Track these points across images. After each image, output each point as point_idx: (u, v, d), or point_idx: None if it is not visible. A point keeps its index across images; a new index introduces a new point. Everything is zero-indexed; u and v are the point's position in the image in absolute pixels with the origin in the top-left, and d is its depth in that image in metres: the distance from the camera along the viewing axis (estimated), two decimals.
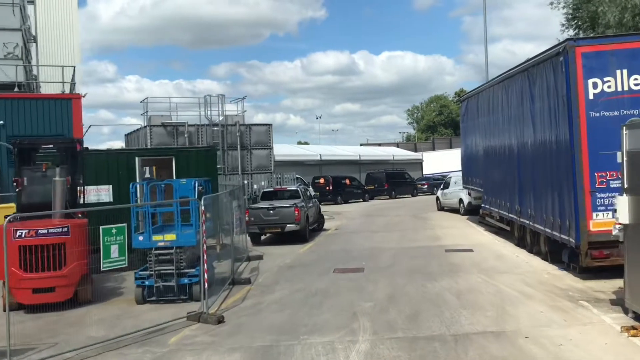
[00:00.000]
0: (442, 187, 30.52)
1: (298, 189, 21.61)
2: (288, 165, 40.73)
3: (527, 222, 15.28)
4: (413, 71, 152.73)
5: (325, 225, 24.60)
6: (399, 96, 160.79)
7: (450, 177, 30.37)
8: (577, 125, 11.90)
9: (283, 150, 43.40)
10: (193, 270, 11.76)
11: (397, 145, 73.21)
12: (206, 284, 10.58)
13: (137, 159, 15.62)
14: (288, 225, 19.64)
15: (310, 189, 37.90)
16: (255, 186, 26.64)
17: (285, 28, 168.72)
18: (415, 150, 70.83)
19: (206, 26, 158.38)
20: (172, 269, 11.83)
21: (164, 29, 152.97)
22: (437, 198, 30.72)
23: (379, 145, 70.10)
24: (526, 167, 15.26)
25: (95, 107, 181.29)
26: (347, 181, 41.52)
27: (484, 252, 16.39)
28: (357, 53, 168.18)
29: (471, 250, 16.59)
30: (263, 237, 20.96)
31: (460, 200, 27.31)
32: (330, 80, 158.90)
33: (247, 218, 19.85)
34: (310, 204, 22.23)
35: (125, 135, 31.28)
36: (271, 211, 19.77)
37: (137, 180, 15.65)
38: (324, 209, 36.41)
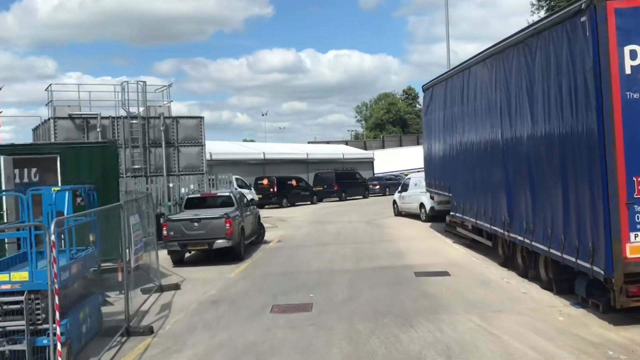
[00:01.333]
0: (399, 189, 27.07)
1: (231, 194, 17.67)
2: (228, 164, 36.65)
3: (520, 238, 11.88)
4: (359, 70, 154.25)
5: (267, 236, 20.77)
6: (346, 95, 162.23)
7: (410, 178, 26.99)
8: (610, 110, 8.49)
9: (222, 147, 39.25)
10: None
11: (347, 143, 69.90)
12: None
13: (1, 158, 11.35)
14: (217, 241, 15.71)
15: (252, 192, 34.13)
16: (183, 190, 22.52)
17: (231, 25, 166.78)
18: (365, 149, 67.70)
19: (149, 22, 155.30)
20: (23, 325, 7.82)
21: (105, 24, 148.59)
22: (394, 202, 27.25)
23: (328, 143, 66.54)
24: (520, 167, 11.84)
25: (35, 104, 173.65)
26: (294, 182, 37.74)
27: (464, 275, 12.91)
28: (303, 51, 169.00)
29: (447, 274, 13.08)
30: (187, 255, 16.97)
31: (422, 205, 23.93)
32: (277, 79, 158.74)
33: (164, 232, 15.82)
34: (248, 212, 18.37)
35: (32, 130, 26.51)
36: (195, 223, 15.78)
37: (3, 187, 11.46)
38: (268, 213, 32.67)
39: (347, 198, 41.49)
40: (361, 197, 43.14)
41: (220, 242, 15.69)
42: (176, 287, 13.05)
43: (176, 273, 14.95)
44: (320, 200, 40.51)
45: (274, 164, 40.63)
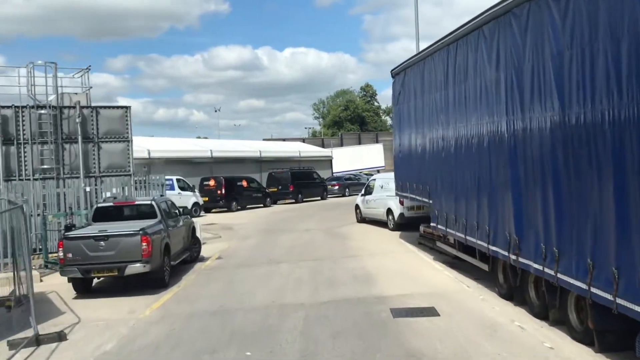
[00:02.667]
0: (363, 192, 23.64)
1: (153, 202, 13.87)
2: (170, 164, 32.69)
3: (537, 266, 8.60)
4: (317, 68, 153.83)
5: (206, 251, 17.12)
6: (304, 93, 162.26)
7: (374, 179, 23.61)
8: None
9: (162, 144, 35.22)
10: None
11: (304, 141, 66.27)
12: None
13: None
14: (130, 266, 11.95)
15: (197, 194, 30.24)
16: (106, 195, 18.58)
17: (186, 21, 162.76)
18: (323, 147, 64.37)
19: (101, 17, 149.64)
20: None
21: (55, 18, 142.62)
22: (357, 207, 23.81)
23: (284, 140, 62.80)
24: (539, 168, 8.52)
25: None
26: (244, 183, 33.98)
27: (458, 315, 9.55)
28: (260, 49, 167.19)
29: (434, 312, 9.70)
30: (98, 280, 13.18)
31: (389, 211, 20.60)
32: (233, 76, 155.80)
33: (60, 254, 12.00)
34: (178, 224, 14.70)
35: None
36: (101, 242, 11.97)
37: None
38: (214, 218, 28.93)
39: (304, 200, 37.99)
40: (319, 198, 39.71)
41: (134, 267, 11.95)
42: (60, 337, 9.27)
43: (73, 309, 11.16)
44: (275, 203, 36.92)
45: (223, 162, 36.71)
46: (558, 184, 7.96)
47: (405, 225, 19.61)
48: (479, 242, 10.99)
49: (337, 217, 26.15)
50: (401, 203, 19.53)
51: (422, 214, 18.54)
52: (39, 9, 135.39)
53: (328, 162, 48.70)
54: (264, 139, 71.73)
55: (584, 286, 7.39)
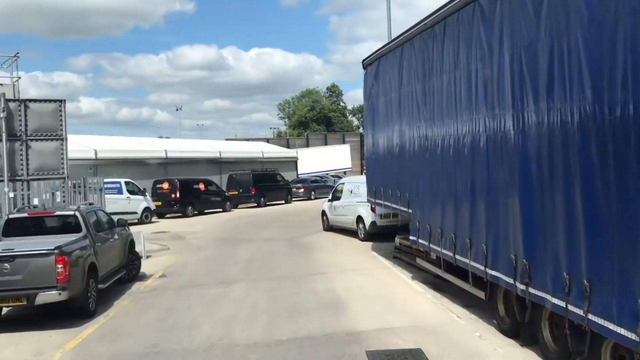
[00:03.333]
0: (330, 197, 21.51)
1: (78, 213, 11.45)
2: (121, 165, 30.11)
3: (558, 302, 6.61)
4: (283, 69, 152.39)
5: (149, 266, 14.81)
6: (270, 94, 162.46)
7: (343, 182, 21.49)
8: None
9: (111, 144, 32.54)
10: None
11: (268, 141, 63.83)
12: None
13: None
14: (42, 294, 9.59)
15: (148, 198, 27.72)
16: (36, 201, 16.05)
17: (151, 20, 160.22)
18: (288, 147, 62.17)
19: (63, 14, 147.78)
20: None
21: (16, 15, 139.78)
22: (324, 213, 21.68)
23: (247, 140, 60.20)
24: (565, 169, 6.53)
25: None
26: (202, 185, 31.56)
27: None
28: (226, 48, 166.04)
29: (423, 358, 7.63)
30: (7, 309, 10.76)
31: (360, 219, 18.55)
32: (198, 75, 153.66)
33: None
34: (115, 237, 12.38)
35: None
36: (6, 264, 9.58)
37: None
38: (166, 225, 26.53)
39: (267, 204, 35.74)
40: (283, 202, 37.52)
41: (47, 295, 9.59)
42: None
43: None
44: (236, 207, 34.59)
45: (179, 164, 34.15)
46: (590, 193, 5.97)
47: (378, 235, 17.61)
48: (473, 263, 8.99)
49: (302, 224, 24.02)
50: (373, 210, 17.51)
51: (396, 223, 16.59)
52: (1, 5, 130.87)
53: (293, 163, 46.53)
54: (226, 139, 69.07)
55: (631, 336, 5.42)
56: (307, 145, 73.55)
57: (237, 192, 34.90)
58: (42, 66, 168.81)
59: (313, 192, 41.03)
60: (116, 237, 12.64)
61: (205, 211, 31.21)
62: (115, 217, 13.82)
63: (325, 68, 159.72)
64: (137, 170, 30.74)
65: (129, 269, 13.26)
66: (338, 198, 20.38)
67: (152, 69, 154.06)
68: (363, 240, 18.21)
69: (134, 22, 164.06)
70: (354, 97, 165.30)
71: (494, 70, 8.12)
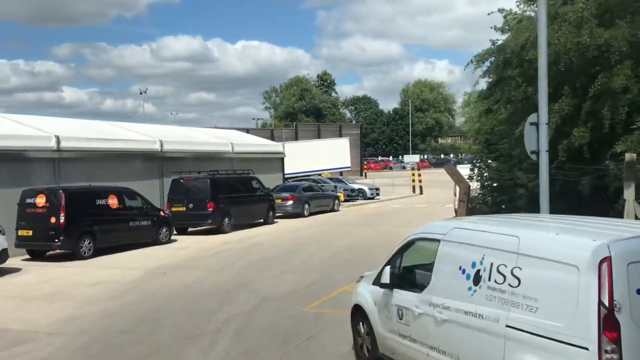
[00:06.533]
0: (386, 277, 6.86)
1: None
2: None
3: None
4: (269, 62, 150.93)
5: None
6: (256, 87, 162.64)
7: (445, 236, 7.19)
8: None
9: None
10: None
11: (247, 131, 49.65)
12: None
13: None
14: None
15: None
16: None
17: (134, 9, 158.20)
18: (272, 139, 48.20)
19: (44, 1, 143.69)
20: None
21: None
22: (359, 313, 7.42)
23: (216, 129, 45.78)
24: None
25: None
26: (113, 200, 17.62)
27: None
28: (211, 40, 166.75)
29: None
30: None
31: None
32: (183, 67, 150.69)
33: None
34: None
35: None
36: None
37: None
38: (25, 286, 12.82)
39: (235, 226, 22.09)
40: (260, 221, 23.94)
41: None
42: None
43: None
44: (183, 232, 21.06)
45: (81, 160, 19.79)
46: None
47: None
48: None
49: (292, 297, 10.49)
50: None
51: None
52: None
53: (278, 161, 32.48)
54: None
55: None
56: (296, 138, 59.92)
57: (184, 208, 21.19)
58: (23, 54, 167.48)
59: (307, 205, 27.42)
60: None
61: (121, 247, 17.41)
62: None
63: (312, 62, 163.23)
64: (3, 169, 16.99)
65: None
66: (414, 284, 6.54)
67: (134, 59, 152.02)
68: None
69: (117, 11, 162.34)
70: (341, 92, 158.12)
71: None
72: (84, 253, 16.25)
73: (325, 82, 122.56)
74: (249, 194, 23.58)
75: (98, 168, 19.99)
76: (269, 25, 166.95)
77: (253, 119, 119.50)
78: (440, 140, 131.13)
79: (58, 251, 16.52)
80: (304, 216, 26.91)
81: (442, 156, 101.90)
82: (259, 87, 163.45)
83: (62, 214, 15.89)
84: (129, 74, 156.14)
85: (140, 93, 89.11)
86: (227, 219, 21.77)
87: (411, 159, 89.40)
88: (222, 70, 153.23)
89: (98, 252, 16.62)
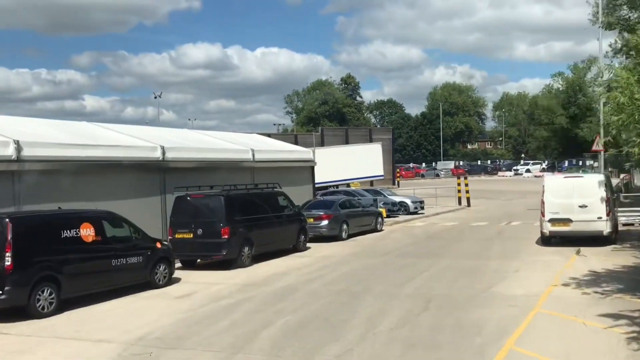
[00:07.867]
0: None
1: None
2: None
3: None
4: (289, 69, 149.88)
5: None
6: (276, 94, 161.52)
7: None
8: None
9: None
10: None
11: (269, 136, 44.58)
12: None
13: None
14: None
15: None
16: None
17: (154, 17, 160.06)
18: (297, 144, 42.95)
19: (64, 10, 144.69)
20: None
21: (15, 10, 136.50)
22: None
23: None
24: None
25: None
26: (87, 230, 12.45)
27: None
28: (231, 47, 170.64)
29: None
30: None
31: None
32: (202, 75, 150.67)
33: None
34: None
35: None
36: None
37: None
38: None
39: (257, 258, 16.96)
40: (290, 249, 18.79)
41: None
42: None
43: None
44: (193, 265, 16.13)
45: (55, 173, 14.58)
46: None
47: None
48: None
49: None
50: None
51: None
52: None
53: (308, 170, 27.26)
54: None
55: None
56: (322, 144, 54.78)
57: (191, 235, 16.13)
58: (44, 63, 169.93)
59: (345, 226, 22.24)
60: None
61: (99, 291, 12.38)
62: None
63: (331, 69, 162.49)
64: None
65: None
66: None
67: (155, 67, 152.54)
68: None
69: (137, 19, 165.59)
70: (366, 96, 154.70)
71: None
72: (42, 309, 11.24)
73: (350, 85, 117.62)
74: (274, 215, 18.48)
75: (77, 184, 15.03)
76: (288, 32, 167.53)
77: (274, 124, 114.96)
78: (469, 146, 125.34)
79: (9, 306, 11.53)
80: (342, 239, 21.76)
81: (479, 162, 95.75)
82: (279, 93, 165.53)
83: (7, 253, 10.92)
84: (150, 81, 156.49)
85: (155, 97, 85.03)
86: (246, 248, 16.67)
87: (445, 165, 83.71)
88: (241, 77, 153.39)
89: (64, 305, 11.62)
